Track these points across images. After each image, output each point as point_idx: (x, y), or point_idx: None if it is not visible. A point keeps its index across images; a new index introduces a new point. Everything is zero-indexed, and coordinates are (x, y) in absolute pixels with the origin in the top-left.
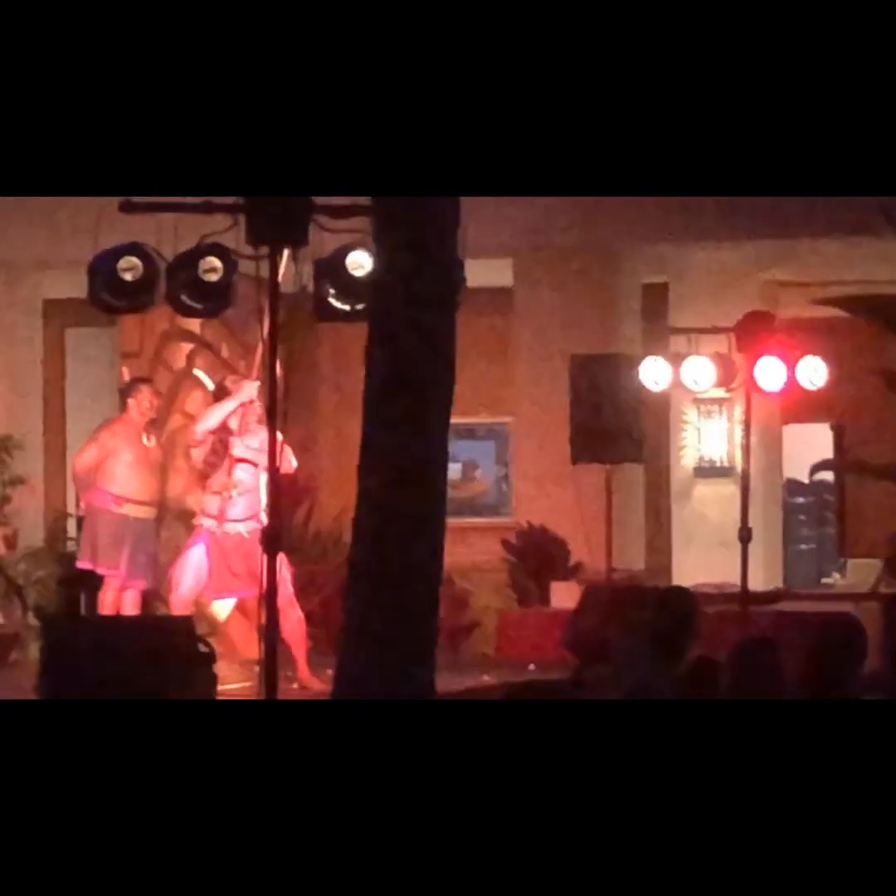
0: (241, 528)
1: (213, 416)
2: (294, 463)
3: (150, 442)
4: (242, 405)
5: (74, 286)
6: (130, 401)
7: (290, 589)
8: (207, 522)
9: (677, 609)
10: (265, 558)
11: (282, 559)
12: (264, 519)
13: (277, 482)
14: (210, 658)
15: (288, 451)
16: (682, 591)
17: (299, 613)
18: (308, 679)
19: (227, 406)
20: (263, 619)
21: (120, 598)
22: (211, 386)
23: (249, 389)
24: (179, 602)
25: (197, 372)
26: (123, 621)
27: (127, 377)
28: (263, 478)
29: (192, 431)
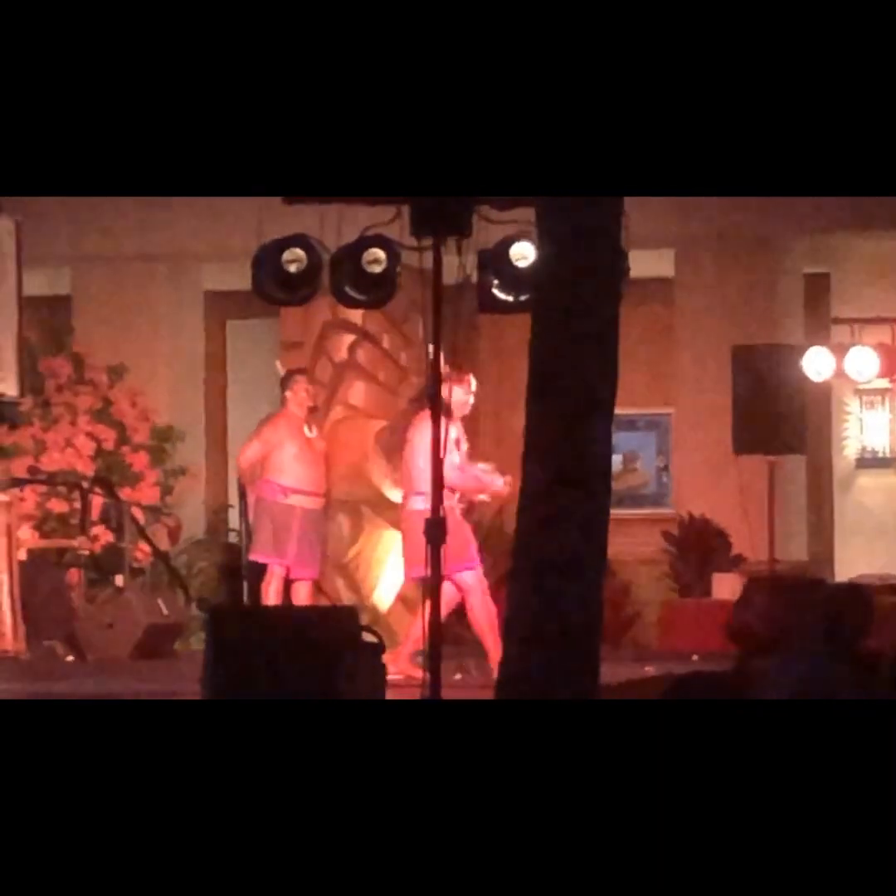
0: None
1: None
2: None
3: (312, 433)
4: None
5: (235, 278)
6: (288, 394)
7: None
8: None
9: (853, 607)
10: (429, 548)
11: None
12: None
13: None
14: (379, 648)
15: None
16: (858, 589)
17: (491, 605)
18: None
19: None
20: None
21: (283, 589)
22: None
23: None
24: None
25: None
26: (288, 611)
27: (282, 371)
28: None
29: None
